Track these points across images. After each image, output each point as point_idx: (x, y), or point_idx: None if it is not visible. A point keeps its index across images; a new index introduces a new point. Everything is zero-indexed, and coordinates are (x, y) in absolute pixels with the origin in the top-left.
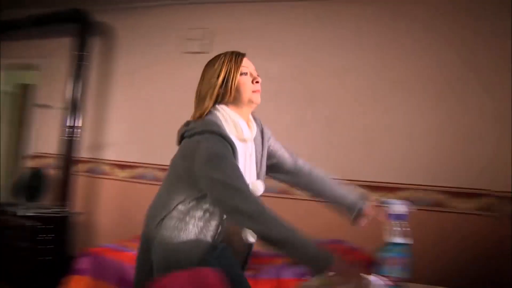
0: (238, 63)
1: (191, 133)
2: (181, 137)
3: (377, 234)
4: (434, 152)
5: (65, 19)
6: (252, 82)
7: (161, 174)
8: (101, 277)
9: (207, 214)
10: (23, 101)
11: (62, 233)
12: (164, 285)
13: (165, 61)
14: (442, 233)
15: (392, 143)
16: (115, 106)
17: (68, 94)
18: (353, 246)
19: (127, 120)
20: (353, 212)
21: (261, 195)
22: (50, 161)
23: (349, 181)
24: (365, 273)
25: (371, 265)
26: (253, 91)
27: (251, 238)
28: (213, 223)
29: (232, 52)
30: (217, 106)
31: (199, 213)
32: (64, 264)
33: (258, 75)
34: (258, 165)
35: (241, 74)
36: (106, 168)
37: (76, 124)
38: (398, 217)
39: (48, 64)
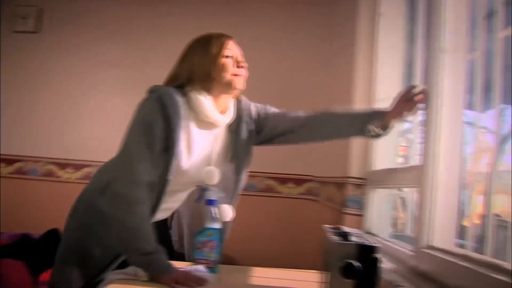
0: (222, 45)
1: (147, 92)
2: None
3: None
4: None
5: None
6: (235, 65)
7: None
8: None
9: None
10: None
11: None
12: None
13: None
14: (270, 216)
15: None
16: None
17: None
18: None
19: None
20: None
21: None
22: None
23: None
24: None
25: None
26: (234, 74)
27: None
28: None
29: (218, 33)
30: (189, 84)
31: None
32: None
33: (243, 61)
34: (226, 152)
35: (224, 56)
36: None
37: None
38: (211, 202)
39: None
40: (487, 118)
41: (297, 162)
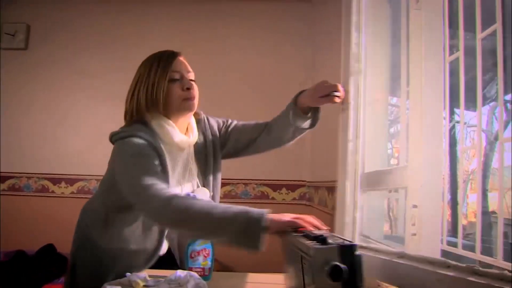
0: (166, 68)
1: (115, 138)
2: (111, 142)
3: None
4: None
5: None
6: (183, 88)
7: None
8: None
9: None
10: None
11: None
12: None
13: None
14: None
15: None
16: None
17: None
18: None
19: None
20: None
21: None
22: None
23: None
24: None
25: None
26: (184, 99)
27: None
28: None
29: (162, 54)
30: (147, 114)
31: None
32: None
33: (191, 79)
34: (203, 167)
35: (170, 80)
36: None
37: None
38: None
39: None
40: (476, 117)
41: (289, 168)
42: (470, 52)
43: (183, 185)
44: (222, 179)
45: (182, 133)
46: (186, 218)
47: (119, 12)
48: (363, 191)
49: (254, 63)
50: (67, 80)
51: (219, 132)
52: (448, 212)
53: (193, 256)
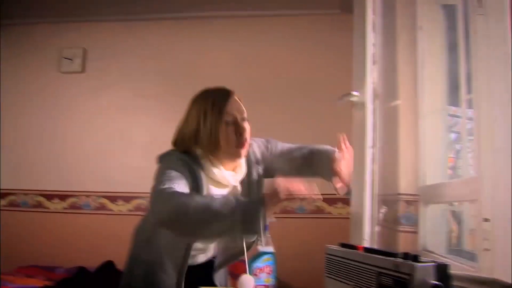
0: (221, 110)
1: (159, 160)
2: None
3: None
4: None
5: None
6: (236, 133)
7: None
8: None
9: None
10: None
11: None
12: None
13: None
14: (320, 237)
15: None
16: None
17: None
18: None
19: None
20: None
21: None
22: None
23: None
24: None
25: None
26: (236, 146)
27: None
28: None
29: (216, 93)
30: (198, 148)
31: None
32: None
33: (245, 119)
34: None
35: (224, 123)
36: None
37: None
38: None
39: None
40: None
41: None
42: None
43: None
44: None
45: (229, 169)
46: (186, 212)
47: (173, 36)
48: (424, 204)
49: (301, 76)
50: (122, 102)
51: (263, 158)
52: None
53: (256, 273)
